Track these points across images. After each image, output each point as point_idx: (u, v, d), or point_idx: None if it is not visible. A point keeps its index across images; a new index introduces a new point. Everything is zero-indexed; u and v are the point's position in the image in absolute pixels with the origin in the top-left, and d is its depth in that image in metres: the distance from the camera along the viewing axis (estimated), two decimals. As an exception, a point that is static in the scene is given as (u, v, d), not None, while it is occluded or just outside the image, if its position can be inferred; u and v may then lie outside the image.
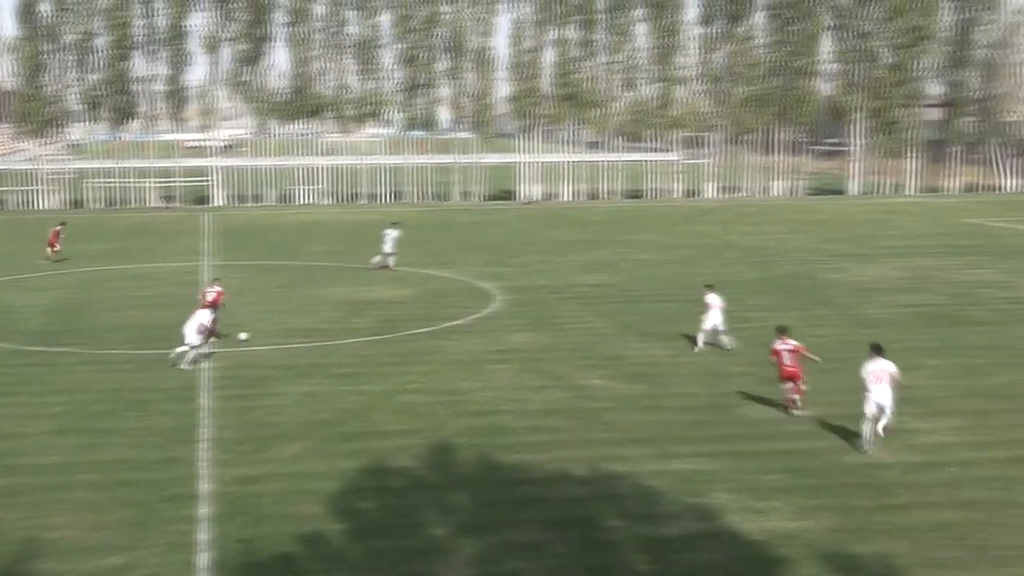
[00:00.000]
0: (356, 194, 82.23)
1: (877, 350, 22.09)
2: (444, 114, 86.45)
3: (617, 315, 35.81)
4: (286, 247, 54.24)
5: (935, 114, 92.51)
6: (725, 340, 30.60)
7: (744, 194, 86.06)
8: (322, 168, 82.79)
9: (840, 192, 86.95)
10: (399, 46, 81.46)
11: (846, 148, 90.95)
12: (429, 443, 21.88)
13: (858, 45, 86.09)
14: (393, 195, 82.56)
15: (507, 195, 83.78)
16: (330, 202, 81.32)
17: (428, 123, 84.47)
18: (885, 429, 21.70)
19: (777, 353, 24.18)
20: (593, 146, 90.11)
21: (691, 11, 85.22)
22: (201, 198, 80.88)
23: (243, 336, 31.42)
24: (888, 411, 21.60)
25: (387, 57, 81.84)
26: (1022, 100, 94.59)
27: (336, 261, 49.15)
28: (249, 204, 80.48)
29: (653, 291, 40.81)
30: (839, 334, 32.40)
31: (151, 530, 17.60)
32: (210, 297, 32.17)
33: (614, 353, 30.09)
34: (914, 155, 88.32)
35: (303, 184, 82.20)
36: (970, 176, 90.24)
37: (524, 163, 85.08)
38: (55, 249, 49.20)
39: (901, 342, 30.24)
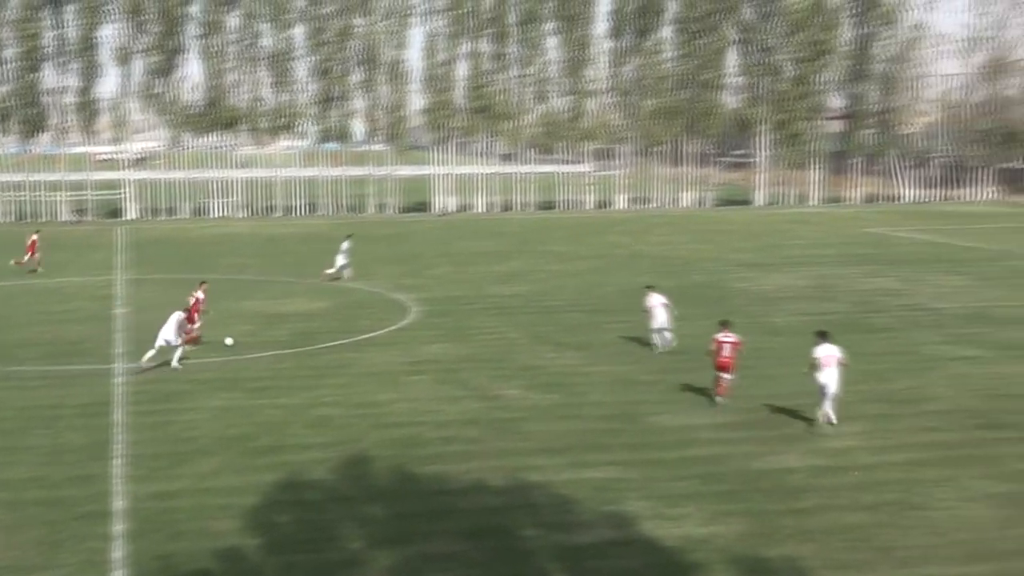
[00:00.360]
0: (271, 207, 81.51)
1: (823, 336, 24.31)
2: (358, 126, 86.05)
3: (531, 325, 35.93)
4: (200, 260, 53.54)
5: (837, 126, 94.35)
6: (667, 336, 31.57)
7: (654, 205, 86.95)
8: (236, 181, 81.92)
9: (746, 203, 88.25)
10: (313, 58, 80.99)
11: (752, 160, 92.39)
12: (346, 455, 21.75)
13: (762, 59, 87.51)
14: (308, 208, 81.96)
15: (422, 207, 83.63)
16: (245, 215, 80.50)
17: (342, 135, 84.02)
18: (834, 407, 23.72)
19: (719, 344, 25.41)
20: (506, 158, 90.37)
21: (601, 25, 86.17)
22: (114, 211, 79.54)
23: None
24: (834, 391, 23.62)
25: (301, 69, 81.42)
26: (919, 113, 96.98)
27: (251, 274, 48.65)
28: (163, 217, 79.33)
29: (566, 301, 41.03)
30: (748, 342, 32.67)
31: (65, 549, 17.24)
32: (191, 301, 32.77)
33: (528, 363, 30.19)
34: (817, 166, 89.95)
35: (217, 197, 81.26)
36: (871, 187, 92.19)
37: (438, 175, 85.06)
38: (33, 258, 48.95)
39: (806, 349, 30.74)
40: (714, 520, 18.35)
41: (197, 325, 32.75)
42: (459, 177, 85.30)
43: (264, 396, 26.45)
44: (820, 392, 23.70)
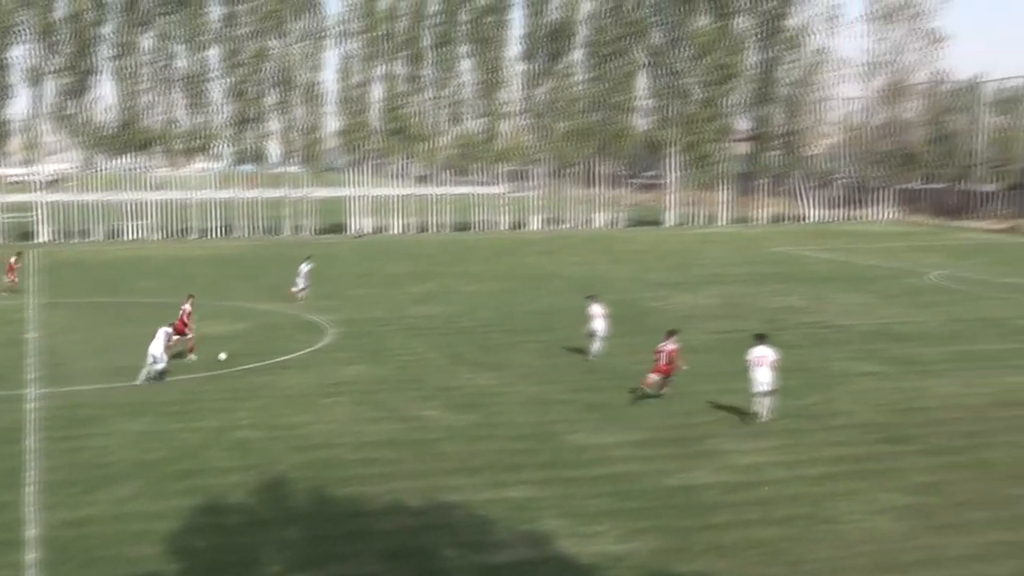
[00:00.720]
0: (186, 229, 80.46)
1: (760, 338, 26.18)
2: (274, 148, 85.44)
3: (447, 346, 35.89)
4: (115, 283, 52.61)
5: (744, 148, 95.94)
6: (598, 345, 32.84)
7: (568, 226, 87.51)
8: (151, 203, 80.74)
9: (658, 223, 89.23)
10: (228, 80, 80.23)
11: (662, 181, 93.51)
12: (264, 479, 21.51)
13: (671, 82, 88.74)
14: (224, 230, 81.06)
15: (338, 228, 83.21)
16: (160, 237, 79.36)
17: (258, 157, 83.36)
18: (771, 411, 25.51)
19: (659, 351, 27.14)
20: (422, 179, 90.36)
21: (513, 48, 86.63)
22: (25, 234, 77.85)
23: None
24: (769, 388, 25.37)
25: (216, 91, 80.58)
26: (822, 135, 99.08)
27: (167, 297, 47.85)
28: (76, 240, 77.85)
29: (482, 321, 41.07)
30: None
31: (-24, 579, 16.81)
32: (180, 314, 33.70)
33: (445, 383, 30.15)
34: (725, 187, 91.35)
35: (132, 219, 79.98)
36: (777, 207, 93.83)
37: (354, 197, 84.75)
38: (12, 280, 48.57)
39: (718, 366, 31.22)
40: (629, 537, 18.47)
41: (189, 336, 33.50)
42: (375, 199, 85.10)
43: (181, 420, 26.05)
44: (755, 390, 25.53)
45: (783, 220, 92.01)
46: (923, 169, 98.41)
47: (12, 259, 49.54)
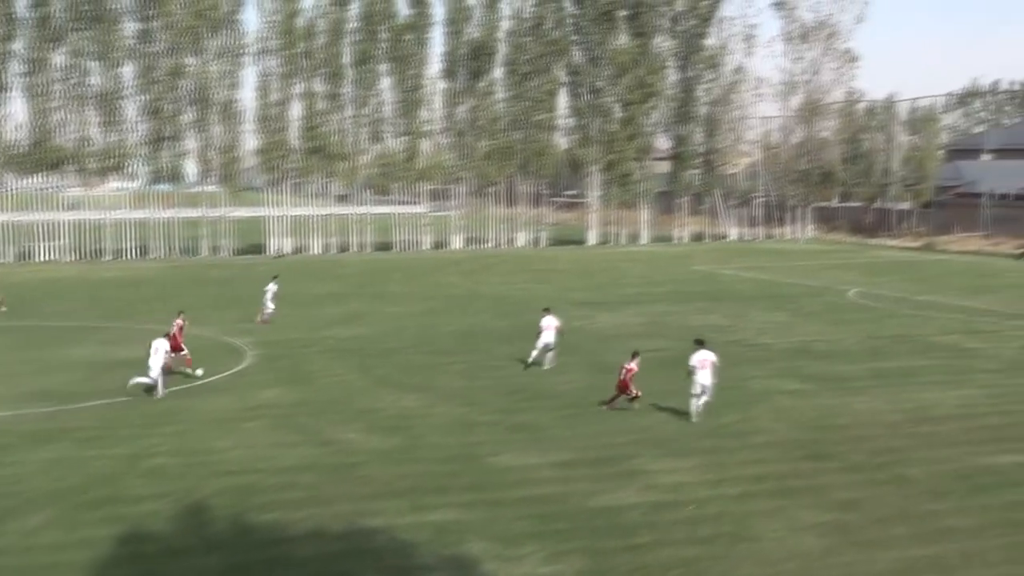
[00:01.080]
0: (100, 250, 79.11)
1: (700, 343, 28.30)
2: (191, 167, 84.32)
3: (369, 368, 35.69)
4: (25, 306, 51.45)
5: (664, 167, 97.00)
6: (550, 357, 34.59)
7: (490, 245, 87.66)
8: (64, 223, 79.24)
9: (580, 242, 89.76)
10: (143, 97, 78.93)
11: (584, 199, 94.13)
12: (182, 506, 21.15)
13: (592, 101, 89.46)
14: (139, 251, 79.85)
15: (257, 249, 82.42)
16: (73, 258, 77.88)
17: (174, 176, 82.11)
18: (705, 404, 27.71)
19: (621, 368, 28.95)
20: (342, 199, 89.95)
21: (434, 66, 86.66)
22: (-70, 255, 75.99)
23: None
24: (708, 391, 27.59)
25: (131, 108, 79.17)
26: (741, 154, 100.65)
27: (80, 320, 47.03)
28: (-16, 261, 76.15)
29: (405, 343, 40.91)
30: (583, 379, 33.34)
31: None
32: (173, 330, 34.27)
33: (368, 406, 29.95)
34: (646, 206, 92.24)
35: (44, 240, 78.38)
36: (697, 225, 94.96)
37: (273, 216, 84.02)
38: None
39: (642, 386, 31.37)
40: (554, 559, 18.47)
41: (184, 352, 34.23)
42: (294, 218, 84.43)
43: (95, 447, 25.52)
44: (698, 389, 27.58)
45: (704, 238, 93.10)
46: (840, 187, 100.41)
47: None
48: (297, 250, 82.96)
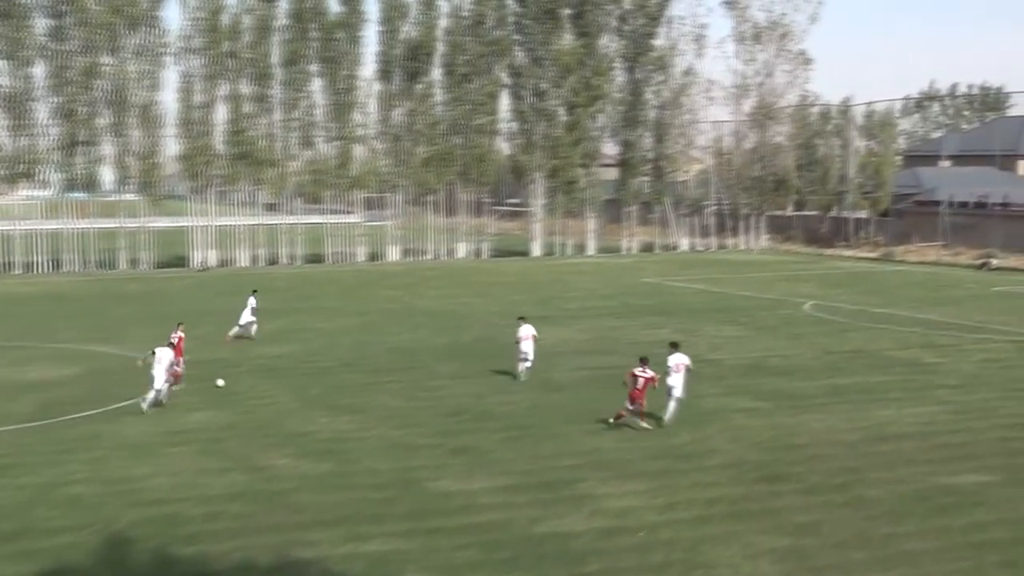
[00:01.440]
0: (9, 263, 77.98)
1: (674, 346, 30.43)
2: (107, 174, 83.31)
3: (301, 388, 35.54)
4: (-73, 323, 50.70)
5: (612, 174, 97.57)
6: (527, 366, 35.93)
7: (429, 256, 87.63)
8: (-32, 234, 78.11)
9: (524, 253, 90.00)
10: (55, 99, 77.84)
11: (528, 208, 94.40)
12: (100, 538, 20.92)
13: (535, 104, 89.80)
14: (52, 264, 78.83)
15: (180, 262, 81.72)
16: (-22, 271, 76.76)
17: (89, 184, 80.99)
18: (677, 406, 29.66)
19: (632, 376, 29.06)
20: (270, 208, 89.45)
21: (368, 66, 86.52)
22: None
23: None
24: (680, 392, 29.55)
25: (42, 111, 78.05)
26: (692, 160, 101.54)
27: (-13, 338, 46.38)
28: None
29: (339, 361, 40.80)
30: (528, 399, 33.43)
31: None
32: (174, 340, 34.96)
33: (299, 429, 29.82)
34: (593, 215, 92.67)
35: (-54, 252, 77.24)
36: (647, 235, 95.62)
37: (197, 227, 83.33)
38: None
39: (587, 405, 31.62)
40: (498, 590, 18.53)
41: (181, 363, 35.10)
42: (220, 229, 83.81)
43: (4, 476, 25.15)
44: (667, 393, 29.40)
45: (654, 249, 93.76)
46: (794, 195, 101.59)
47: None
48: (223, 263, 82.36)
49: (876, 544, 20.73)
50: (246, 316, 45.59)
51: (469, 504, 23.27)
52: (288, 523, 21.94)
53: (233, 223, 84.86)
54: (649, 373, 28.95)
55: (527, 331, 36.16)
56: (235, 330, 45.36)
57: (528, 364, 35.98)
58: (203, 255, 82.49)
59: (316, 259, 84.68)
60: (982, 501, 23.32)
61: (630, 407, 29.04)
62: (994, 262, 76.84)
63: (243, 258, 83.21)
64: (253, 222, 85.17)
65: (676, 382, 29.49)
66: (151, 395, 31.65)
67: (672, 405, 29.52)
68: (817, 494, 23.81)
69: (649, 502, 23.23)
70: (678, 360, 29.68)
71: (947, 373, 38.20)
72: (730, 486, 24.44)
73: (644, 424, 29.04)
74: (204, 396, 34.24)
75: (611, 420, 29.34)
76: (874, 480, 24.80)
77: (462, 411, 31.81)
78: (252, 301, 46.09)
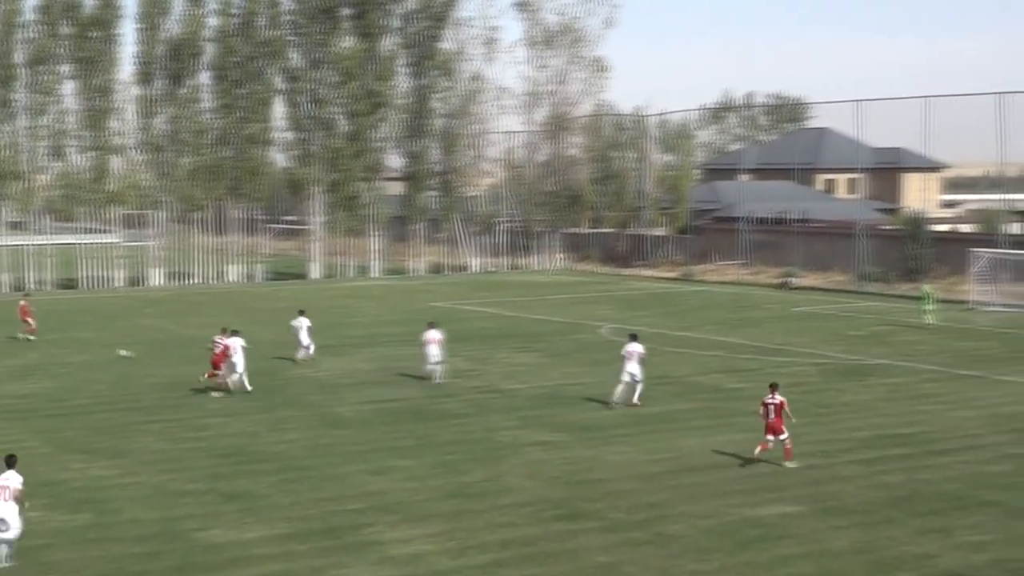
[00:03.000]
0: None
1: (633, 337, 37.34)
2: None
3: (52, 430, 34.50)
4: None
5: (397, 188, 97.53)
6: (440, 370, 40.95)
7: (196, 280, 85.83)
8: None
9: (302, 276, 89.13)
10: None
11: (306, 226, 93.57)
12: None
13: (313, 111, 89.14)
14: None
15: (-93, 287, 78.09)
16: None
17: None
18: (640, 398, 36.74)
19: (764, 406, 30.00)
20: (15, 226, 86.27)
21: (126, 68, 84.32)
22: None
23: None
24: (639, 381, 36.56)
25: None
26: (482, 173, 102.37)
27: None
28: None
29: (96, 399, 39.74)
30: (308, 437, 33.26)
31: None
32: (218, 349, 39.83)
33: (51, 477, 28.91)
34: (377, 233, 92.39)
35: None
36: (435, 255, 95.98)
37: (-73, 248, 79.80)
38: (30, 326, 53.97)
39: (373, 443, 31.69)
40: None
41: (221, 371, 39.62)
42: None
43: None
44: (622, 380, 36.34)
45: (443, 270, 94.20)
46: (590, 211, 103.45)
47: (22, 302, 55.82)
48: (-41, 288, 79.06)
49: (678, 583, 21.36)
50: (305, 337, 46.90)
51: (242, 555, 23.00)
52: (38, 584, 21.29)
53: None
54: (778, 399, 29.94)
55: (434, 335, 41.34)
56: (301, 354, 46.87)
57: (440, 367, 41.21)
58: (-64, 280, 78.96)
59: (69, 284, 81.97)
60: (787, 533, 24.27)
61: (770, 438, 29.83)
62: (794, 281, 80.00)
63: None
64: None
65: (633, 369, 36.35)
66: (235, 377, 39.45)
67: (636, 388, 36.75)
68: (617, 532, 24.40)
69: (441, 546, 23.39)
70: (632, 348, 36.56)
71: (750, 399, 39.30)
72: (526, 526, 24.81)
73: (789, 463, 29.66)
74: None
75: (756, 452, 29.99)
76: (678, 515, 25.54)
77: (234, 452, 31.40)
78: (307, 323, 47.36)
